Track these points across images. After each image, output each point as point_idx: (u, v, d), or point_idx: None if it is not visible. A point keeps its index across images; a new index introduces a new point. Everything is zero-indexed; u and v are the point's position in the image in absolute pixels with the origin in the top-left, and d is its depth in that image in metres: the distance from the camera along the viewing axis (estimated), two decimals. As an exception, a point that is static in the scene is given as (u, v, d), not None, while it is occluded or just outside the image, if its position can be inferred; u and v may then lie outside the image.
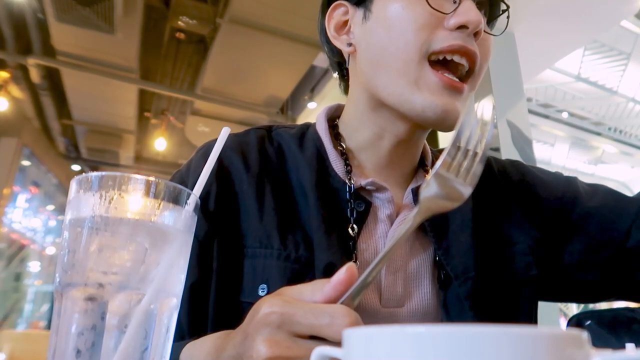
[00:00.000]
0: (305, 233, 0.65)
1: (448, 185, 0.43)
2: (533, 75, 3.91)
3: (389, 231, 0.68)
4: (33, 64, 4.64)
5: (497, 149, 2.89)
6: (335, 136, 0.75)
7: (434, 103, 0.62)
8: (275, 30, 3.95)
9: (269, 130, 0.77)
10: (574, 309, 7.49)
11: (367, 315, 0.64)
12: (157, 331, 0.38)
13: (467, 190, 0.43)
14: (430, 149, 0.83)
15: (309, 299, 0.40)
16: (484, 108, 0.47)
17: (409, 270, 0.68)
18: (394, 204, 0.69)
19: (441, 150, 0.88)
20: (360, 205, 0.67)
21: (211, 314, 0.62)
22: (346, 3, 0.72)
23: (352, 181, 0.68)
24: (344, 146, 0.73)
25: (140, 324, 0.37)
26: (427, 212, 0.43)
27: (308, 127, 0.77)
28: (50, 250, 8.88)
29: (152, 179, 0.39)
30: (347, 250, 0.64)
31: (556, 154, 6.46)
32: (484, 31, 0.66)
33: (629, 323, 0.81)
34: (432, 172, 0.42)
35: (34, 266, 8.49)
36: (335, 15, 0.73)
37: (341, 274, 0.39)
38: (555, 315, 2.89)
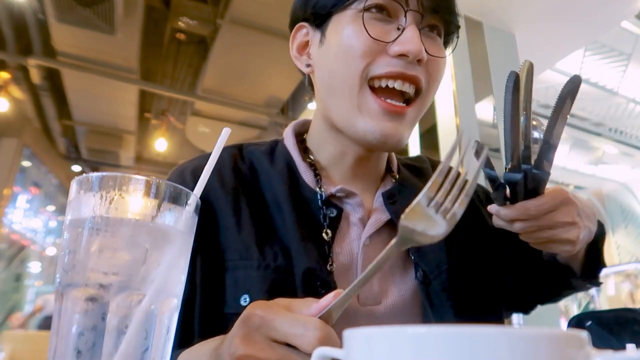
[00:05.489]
0: (282, 243, 0.67)
1: (426, 219, 0.43)
2: (534, 76, 3.90)
3: (362, 233, 0.71)
4: (33, 64, 4.64)
5: (497, 150, 2.89)
6: (304, 150, 0.79)
7: (374, 128, 0.66)
8: (275, 31, 3.95)
9: (240, 148, 0.80)
10: (574, 309, 7.49)
11: (347, 314, 0.66)
12: (157, 332, 0.38)
13: (443, 230, 0.43)
14: (396, 156, 0.87)
15: (296, 311, 0.41)
16: (471, 154, 0.46)
17: (383, 270, 0.71)
18: (364, 208, 0.73)
19: (415, 157, 0.96)
20: (333, 211, 0.71)
21: (197, 327, 0.63)
22: (307, 25, 0.75)
23: (322, 190, 0.72)
24: (312, 158, 0.77)
25: (140, 325, 0.37)
26: (406, 244, 0.43)
27: (277, 143, 0.81)
28: (51, 251, 8.87)
29: (152, 179, 0.39)
30: (323, 255, 0.67)
31: (556, 155, 6.44)
32: (432, 55, 0.68)
33: (630, 323, 0.81)
34: (413, 202, 0.42)
35: (34, 267, 8.49)
36: (298, 36, 0.77)
37: (329, 297, 0.41)
38: (556, 316, 2.89)
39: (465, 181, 0.44)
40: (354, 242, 0.71)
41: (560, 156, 6.40)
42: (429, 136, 3.03)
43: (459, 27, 0.74)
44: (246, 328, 0.40)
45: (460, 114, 2.86)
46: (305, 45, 0.76)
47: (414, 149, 3.14)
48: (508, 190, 0.63)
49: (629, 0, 3.16)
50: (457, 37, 0.75)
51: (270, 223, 0.69)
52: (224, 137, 0.48)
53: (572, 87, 0.61)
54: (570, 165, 6.71)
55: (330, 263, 0.66)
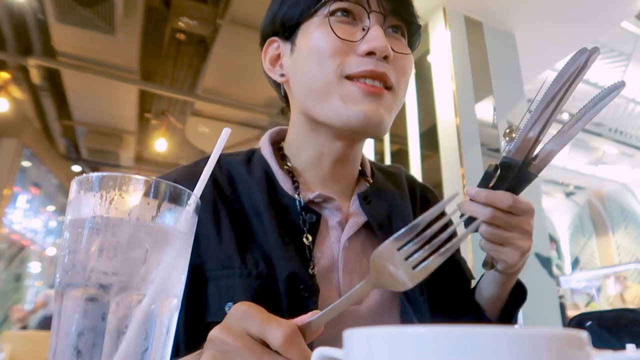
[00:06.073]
0: (262, 250, 0.69)
1: (394, 263, 0.42)
2: (533, 76, 3.90)
3: (341, 236, 0.74)
4: (33, 64, 4.65)
5: (497, 150, 2.89)
6: (281, 157, 0.81)
7: (356, 111, 0.69)
8: (275, 31, 3.94)
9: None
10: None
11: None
12: (157, 332, 0.38)
13: (403, 279, 0.42)
14: (370, 161, 0.91)
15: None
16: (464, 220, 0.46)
17: (363, 269, 0.74)
18: (342, 212, 0.77)
19: (391, 165, 0.99)
20: (312, 217, 0.73)
21: (183, 338, 0.64)
22: (277, 38, 0.79)
23: (300, 196, 0.74)
24: (290, 165, 0.80)
25: (140, 325, 0.37)
26: (376, 282, 0.43)
27: (253, 152, 0.83)
28: (51, 251, 8.88)
29: (152, 179, 0.39)
30: (304, 259, 0.69)
31: (557, 155, 6.44)
32: (397, 52, 0.72)
33: (630, 324, 0.81)
34: (386, 241, 0.43)
35: (34, 267, 8.50)
36: (269, 50, 0.81)
37: (307, 315, 0.43)
38: (556, 316, 2.89)
39: (446, 240, 0.43)
40: (334, 245, 0.73)
41: (561, 156, 6.39)
42: (429, 136, 3.03)
43: (420, 26, 0.78)
44: (227, 318, 0.43)
45: (460, 114, 2.86)
46: (277, 58, 0.80)
47: (414, 149, 3.14)
48: (497, 175, 0.63)
49: (629, 0, 3.17)
50: (420, 36, 0.80)
51: (250, 231, 0.71)
52: (224, 137, 0.48)
53: (604, 96, 0.59)
54: (570, 165, 6.71)
55: (312, 267, 0.69)
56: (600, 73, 4.96)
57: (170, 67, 5.12)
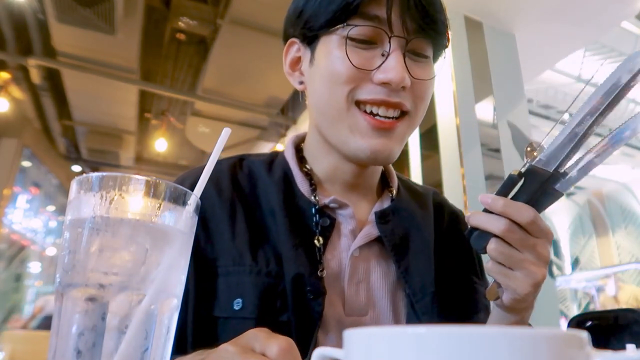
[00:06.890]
0: (274, 249, 0.69)
1: None
2: (534, 76, 3.90)
3: (351, 244, 0.73)
4: (33, 64, 4.64)
5: (497, 150, 2.89)
6: (301, 159, 0.80)
7: (364, 145, 0.68)
8: (275, 31, 3.95)
9: (241, 159, 0.82)
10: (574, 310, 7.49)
11: (333, 324, 0.68)
12: (157, 332, 0.38)
13: None
14: (399, 175, 0.88)
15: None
16: None
17: (372, 281, 0.73)
18: (356, 220, 0.75)
19: (424, 186, 0.95)
20: (325, 221, 0.73)
21: (190, 331, 0.65)
22: (298, 42, 0.76)
23: (316, 199, 0.74)
24: (309, 168, 0.79)
25: (140, 325, 0.37)
26: None
27: (277, 154, 0.83)
28: (51, 251, 8.87)
29: (152, 179, 0.39)
30: (314, 261, 0.69)
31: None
32: (417, 78, 0.68)
33: (630, 324, 0.81)
34: None
35: (34, 267, 8.49)
36: (290, 52, 0.78)
37: None
38: (556, 316, 2.89)
39: None
40: (344, 252, 0.73)
41: (560, 156, 6.38)
42: (429, 136, 3.03)
43: (447, 46, 0.74)
44: (239, 337, 0.44)
45: (460, 114, 2.86)
46: (297, 61, 0.78)
47: (414, 148, 3.14)
48: (520, 184, 0.57)
49: (629, 0, 3.16)
50: (445, 54, 0.76)
51: (264, 230, 0.71)
52: (224, 137, 0.47)
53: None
54: (570, 165, 6.69)
55: (321, 269, 0.68)
56: (600, 73, 4.95)
57: (170, 67, 5.12)
